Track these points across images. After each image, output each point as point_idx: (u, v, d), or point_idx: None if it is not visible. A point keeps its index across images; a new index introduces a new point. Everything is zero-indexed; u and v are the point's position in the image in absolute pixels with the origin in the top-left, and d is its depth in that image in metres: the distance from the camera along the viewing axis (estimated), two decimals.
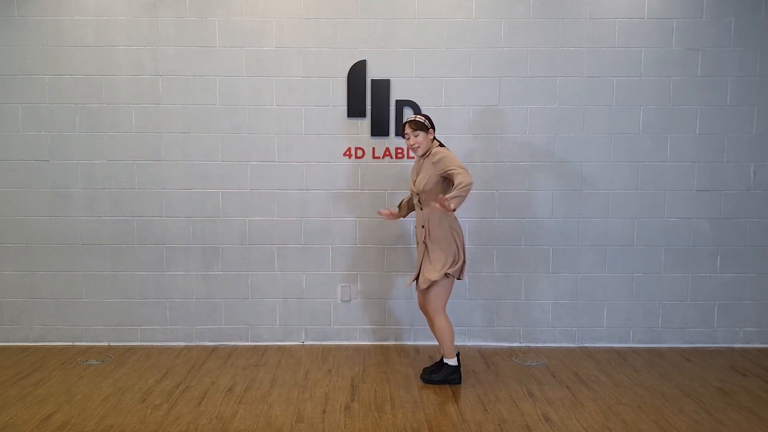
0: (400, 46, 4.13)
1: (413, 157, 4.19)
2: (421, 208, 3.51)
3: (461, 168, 3.30)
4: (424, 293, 3.54)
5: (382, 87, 4.15)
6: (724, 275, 4.29)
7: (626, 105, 4.18)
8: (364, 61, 4.14)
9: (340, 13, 4.12)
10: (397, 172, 4.23)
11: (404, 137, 3.53)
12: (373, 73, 4.16)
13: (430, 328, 3.63)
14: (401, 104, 4.16)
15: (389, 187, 4.24)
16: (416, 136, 3.46)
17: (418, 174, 3.52)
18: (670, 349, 4.28)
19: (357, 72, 4.14)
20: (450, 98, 4.17)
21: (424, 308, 3.63)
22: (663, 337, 4.33)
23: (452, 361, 3.58)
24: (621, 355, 4.14)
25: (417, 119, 3.47)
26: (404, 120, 3.60)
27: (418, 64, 4.15)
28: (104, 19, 4.11)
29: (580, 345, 4.34)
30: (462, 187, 3.21)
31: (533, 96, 4.17)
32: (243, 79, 4.16)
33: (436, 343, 4.29)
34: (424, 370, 3.71)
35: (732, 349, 4.28)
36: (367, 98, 4.17)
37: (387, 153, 4.21)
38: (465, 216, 4.23)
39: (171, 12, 4.11)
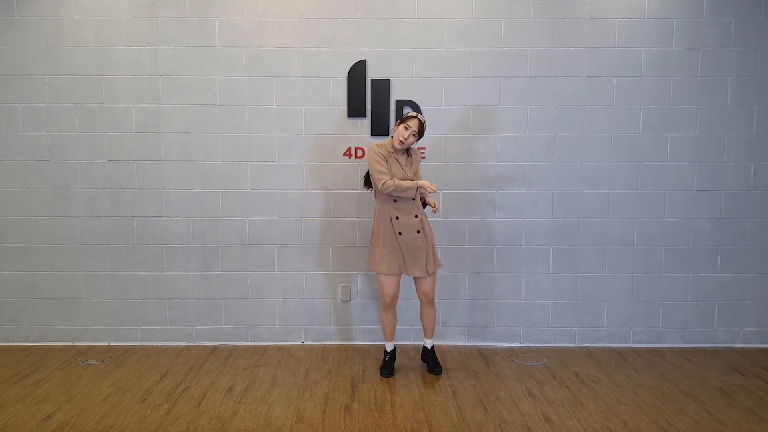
0: (400, 46, 4.13)
1: None
2: (413, 199, 3.57)
3: None
4: (431, 281, 3.64)
5: (382, 87, 4.15)
6: (724, 275, 4.29)
7: (626, 105, 4.18)
8: (364, 61, 4.14)
9: (340, 13, 4.12)
10: None
11: (404, 126, 3.50)
12: (373, 73, 4.16)
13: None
14: (401, 104, 4.16)
15: None
16: (414, 136, 3.52)
17: (407, 166, 3.58)
18: (670, 349, 4.28)
19: (357, 72, 4.14)
20: (450, 98, 4.17)
21: (428, 297, 3.68)
22: (663, 337, 4.33)
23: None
24: (621, 355, 4.14)
25: (424, 126, 3.55)
26: (413, 113, 3.55)
27: (418, 64, 4.15)
28: (104, 19, 4.11)
29: (580, 345, 4.34)
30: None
31: (533, 96, 4.18)
32: (243, 79, 4.16)
33: (434, 342, 4.30)
34: (434, 366, 3.79)
35: (732, 349, 4.28)
36: (367, 98, 4.17)
37: None
38: (465, 216, 4.23)
39: (171, 12, 4.11)
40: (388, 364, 3.77)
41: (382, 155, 3.52)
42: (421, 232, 3.57)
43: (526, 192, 4.24)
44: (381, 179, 3.47)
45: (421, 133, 3.54)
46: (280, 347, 4.29)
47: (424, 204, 3.69)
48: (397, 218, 3.55)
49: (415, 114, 3.55)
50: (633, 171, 4.23)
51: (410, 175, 3.57)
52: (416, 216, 3.57)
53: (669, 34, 4.13)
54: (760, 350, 4.26)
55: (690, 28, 4.13)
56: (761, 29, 4.13)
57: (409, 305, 4.29)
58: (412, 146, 3.66)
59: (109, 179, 4.21)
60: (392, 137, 3.56)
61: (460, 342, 4.35)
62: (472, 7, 4.12)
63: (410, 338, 4.34)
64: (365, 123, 4.19)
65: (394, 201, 3.54)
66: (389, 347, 3.79)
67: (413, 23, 4.12)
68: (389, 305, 3.68)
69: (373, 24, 4.12)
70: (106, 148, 4.19)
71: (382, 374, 3.73)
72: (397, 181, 3.47)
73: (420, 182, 3.46)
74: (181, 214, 4.24)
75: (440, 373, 3.78)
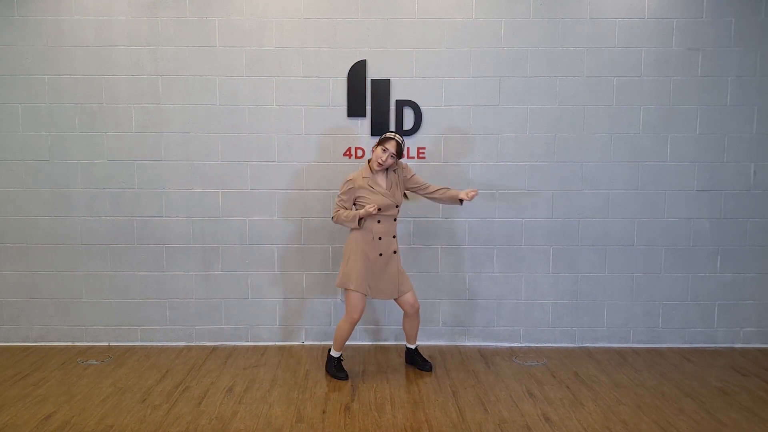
0: (400, 46, 4.13)
1: (412, 157, 4.19)
2: (395, 219, 3.64)
3: None
4: (413, 293, 3.70)
5: (382, 87, 4.15)
6: (724, 275, 4.29)
7: (626, 105, 4.18)
8: (364, 61, 4.14)
9: (340, 13, 4.12)
10: None
11: (381, 148, 3.51)
12: (373, 73, 4.16)
13: (409, 326, 3.82)
14: (401, 104, 4.16)
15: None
16: (392, 158, 3.53)
17: (393, 187, 3.60)
18: (670, 349, 4.28)
19: (357, 72, 4.14)
20: (450, 98, 4.17)
21: (415, 306, 3.72)
22: (663, 337, 4.33)
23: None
24: (621, 355, 4.14)
25: (402, 146, 3.55)
26: (390, 134, 3.56)
27: (418, 64, 4.15)
28: (104, 19, 4.11)
29: (580, 345, 4.34)
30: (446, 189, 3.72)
31: (533, 96, 4.17)
32: (243, 79, 4.16)
33: (434, 342, 4.32)
34: (424, 364, 3.84)
35: (732, 349, 4.28)
36: (367, 98, 4.17)
37: None
38: (465, 216, 4.23)
39: (171, 12, 4.11)
40: (342, 366, 3.76)
41: (350, 189, 3.55)
42: (397, 252, 3.65)
43: (526, 192, 4.24)
44: (334, 209, 3.62)
45: (399, 153, 3.54)
46: (280, 347, 4.29)
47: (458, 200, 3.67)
48: (380, 239, 3.58)
49: (392, 135, 3.55)
50: (633, 171, 4.23)
51: (398, 197, 3.61)
52: (394, 236, 3.64)
53: (669, 34, 4.13)
54: (760, 350, 4.26)
55: (690, 28, 4.13)
56: (761, 29, 4.13)
57: None
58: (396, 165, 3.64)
59: (109, 179, 4.21)
60: (369, 161, 3.60)
61: (460, 342, 4.35)
62: (472, 7, 4.12)
63: None
64: (365, 123, 4.19)
65: (378, 222, 3.56)
66: (338, 354, 3.75)
67: (413, 23, 4.12)
68: (357, 321, 3.66)
69: (373, 24, 4.12)
70: (106, 148, 4.19)
71: (339, 378, 3.70)
72: (339, 213, 3.57)
73: (360, 211, 3.49)
74: (181, 214, 4.24)
75: (431, 370, 3.80)
